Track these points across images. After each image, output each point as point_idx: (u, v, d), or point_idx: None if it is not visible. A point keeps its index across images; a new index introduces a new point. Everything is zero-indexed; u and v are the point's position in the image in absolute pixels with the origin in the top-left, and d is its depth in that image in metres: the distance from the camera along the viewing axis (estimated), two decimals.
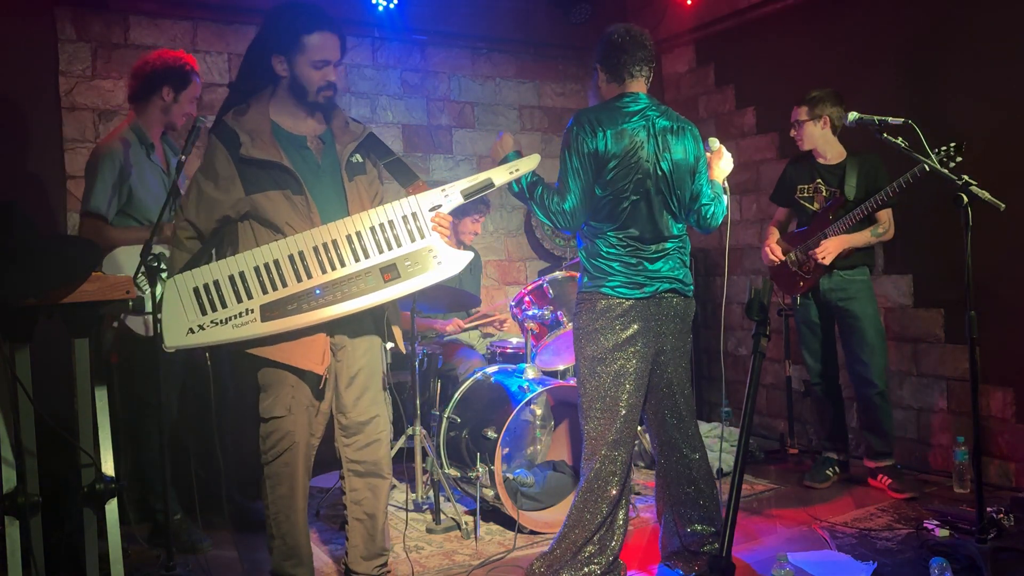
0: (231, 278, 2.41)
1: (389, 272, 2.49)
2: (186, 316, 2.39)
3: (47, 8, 3.98)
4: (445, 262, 2.52)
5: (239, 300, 2.41)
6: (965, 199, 2.75)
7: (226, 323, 2.39)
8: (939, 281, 4.01)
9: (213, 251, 2.61)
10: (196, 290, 2.40)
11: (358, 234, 2.49)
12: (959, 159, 3.16)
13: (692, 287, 2.79)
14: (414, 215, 2.53)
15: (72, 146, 4.05)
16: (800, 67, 4.60)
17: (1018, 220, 3.30)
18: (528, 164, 2.64)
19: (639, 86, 2.74)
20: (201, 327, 2.38)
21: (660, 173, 2.66)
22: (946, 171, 2.91)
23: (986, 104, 3.76)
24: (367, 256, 2.48)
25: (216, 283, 2.40)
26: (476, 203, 3.77)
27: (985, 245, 3.04)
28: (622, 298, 2.65)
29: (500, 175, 2.61)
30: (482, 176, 2.61)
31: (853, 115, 3.10)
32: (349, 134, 2.63)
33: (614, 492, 2.65)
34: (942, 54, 3.95)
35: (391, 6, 4.57)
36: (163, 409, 2.60)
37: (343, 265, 2.47)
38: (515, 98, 5.38)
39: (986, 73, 3.77)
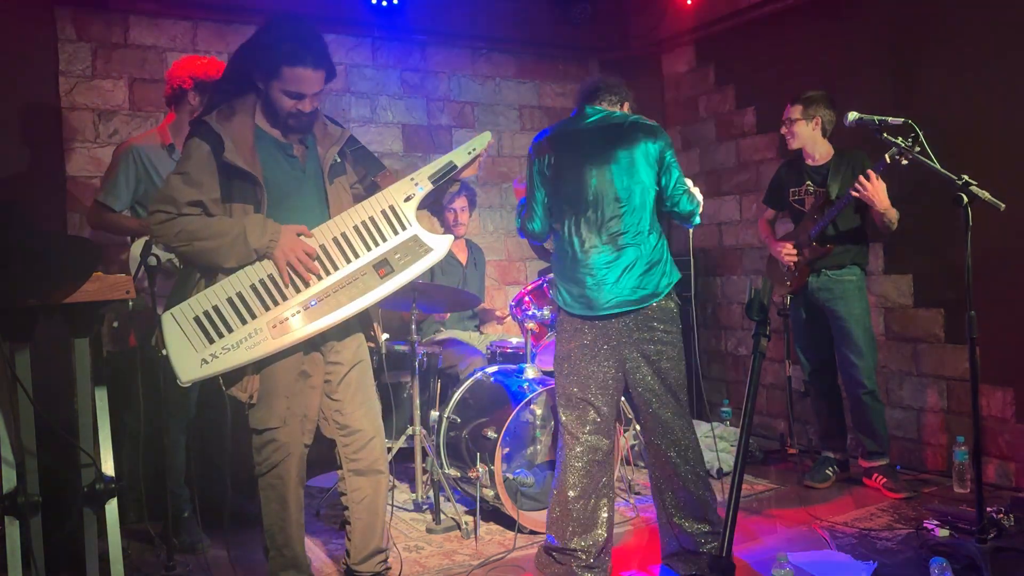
0: (230, 301, 2.38)
1: (382, 268, 2.52)
2: (194, 348, 2.33)
3: (47, 8, 3.98)
4: (433, 247, 2.58)
5: (244, 322, 2.37)
6: (965, 199, 2.74)
7: (238, 347, 2.35)
8: (939, 281, 4.01)
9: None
10: (197, 319, 2.35)
11: (344, 235, 2.51)
12: (917, 148, 3.10)
13: (665, 291, 2.74)
14: (392, 208, 2.57)
15: (72, 146, 4.05)
16: (800, 67, 4.60)
17: (1018, 220, 3.30)
18: (481, 141, 2.74)
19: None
20: (214, 356, 2.34)
21: (610, 178, 2.73)
22: (947, 171, 2.91)
23: (987, 104, 3.75)
24: (357, 256, 2.51)
25: (216, 308, 2.37)
26: (451, 196, 3.83)
27: (985, 245, 3.04)
28: (576, 316, 2.79)
29: (460, 156, 2.70)
30: (444, 160, 2.68)
31: (853, 115, 3.09)
32: (329, 137, 2.61)
33: (586, 481, 2.77)
34: (942, 54, 3.94)
35: (391, 5, 4.57)
36: (167, 407, 2.59)
37: (336, 268, 2.48)
38: (515, 98, 5.38)
39: (987, 73, 3.77)
